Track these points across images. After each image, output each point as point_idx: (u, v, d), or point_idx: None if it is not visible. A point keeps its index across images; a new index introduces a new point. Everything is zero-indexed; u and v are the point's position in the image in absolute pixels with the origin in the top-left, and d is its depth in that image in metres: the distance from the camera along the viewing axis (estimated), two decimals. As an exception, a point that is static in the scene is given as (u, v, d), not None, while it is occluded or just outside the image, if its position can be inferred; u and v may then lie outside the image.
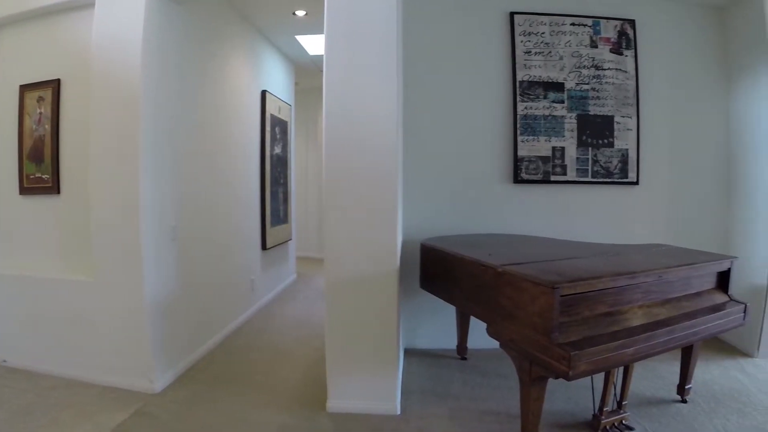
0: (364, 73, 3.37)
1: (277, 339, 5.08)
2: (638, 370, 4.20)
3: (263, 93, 6.24)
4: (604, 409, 3.30)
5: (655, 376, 4.22)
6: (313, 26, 5.74)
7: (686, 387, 3.75)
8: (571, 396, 3.77)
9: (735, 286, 4.45)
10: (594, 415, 3.35)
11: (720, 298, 3.39)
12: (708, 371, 4.35)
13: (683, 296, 3.18)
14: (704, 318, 3.10)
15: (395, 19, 3.38)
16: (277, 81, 6.95)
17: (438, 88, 4.72)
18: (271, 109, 6.44)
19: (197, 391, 3.85)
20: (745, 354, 4.76)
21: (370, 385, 3.54)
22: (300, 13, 5.47)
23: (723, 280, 3.46)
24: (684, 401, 3.76)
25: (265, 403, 3.66)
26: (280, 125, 6.91)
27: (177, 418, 3.43)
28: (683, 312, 3.08)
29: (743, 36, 4.94)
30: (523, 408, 2.89)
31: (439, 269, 3.86)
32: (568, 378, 2.49)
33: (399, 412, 3.53)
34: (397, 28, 3.49)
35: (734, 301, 3.42)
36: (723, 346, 4.99)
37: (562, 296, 2.58)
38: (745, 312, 3.39)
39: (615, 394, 3.41)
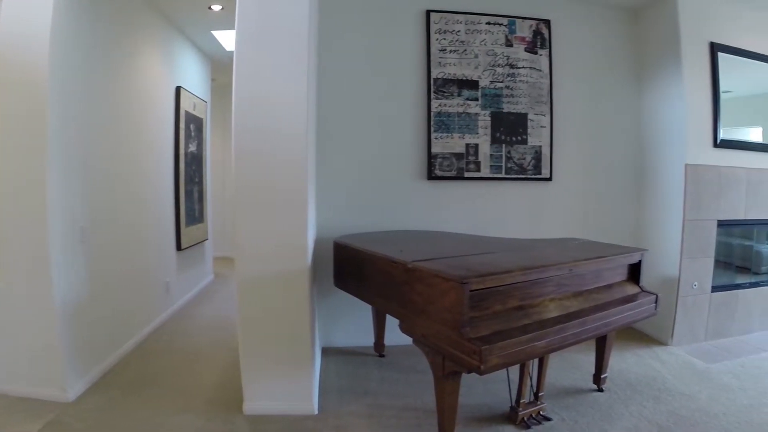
0: (275, 68, 3.22)
1: (193, 341, 4.90)
2: (555, 361, 4.26)
3: (178, 89, 5.98)
4: (521, 401, 3.31)
5: (572, 366, 4.27)
6: (229, 21, 5.45)
7: (602, 376, 3.80)
8: (489, 389, 3.75)
9: (648, 278, 4.55)
10: (511, 407, 3.35)
11: (631, 289, 3.43)
12: (624, 360, 4.44)
13: (595, 288, 3.21)
14: (616, 309, 3.12)
15: (307, 12, 3.27)
16: (193, 77, 6.70)
17: (354, 85, 4.60)
18: (186, 105, 6.19)
19: (113, 398, 3.65)
20: (660, 342, 4.90)
21: (286, 386, 3.42)
22: (216, 7, 5.27)
23: (634, 272, 3.51)
24: (600, 390, 3.81)
25: (182, 408, 3.50)
26: (196, 122, 6.66)
27: (92, 427, 3.23)
28: (595, 304, 3.10)
29: (655, 37, 5.07)
30: (438, 403, 2.85)
31: (352, 267, 3.78)
32: (479, 372, 2.45)
33: (317, 412, 3.44)
34: (310, 23, 3.37)
35: (645, 292, 3.48)
36: (638, 336, 5.12)
37: (471, 291, 2.53)
38: (656, 302, 3.45)
39: (531, 386, 3.42)
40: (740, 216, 5.05)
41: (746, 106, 5.62)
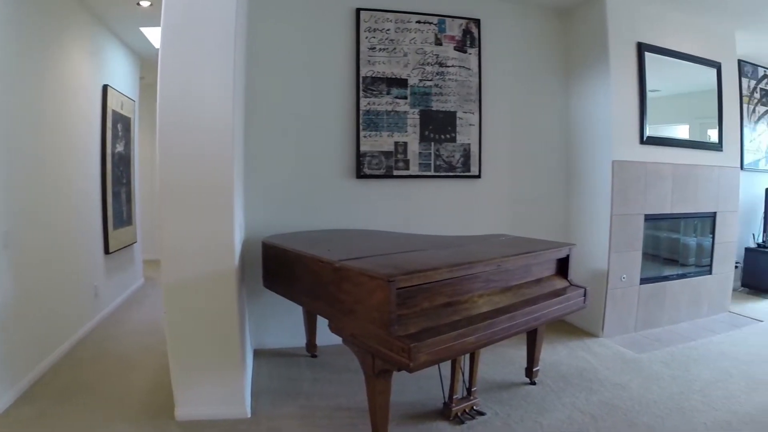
0: (201, 63, 3.11)
1: (124, 347, 4.73)
2: (488, 356, 4.29)
3: (105, 88, 5.75)
4: (454, 397, 3.32)
5: (505, 361, 4.32)
6: (158, 17, 5.28)
7: (534, 369, 3.85)
8: (422, 386, 3.74)
9: (577, 271, 4.63)
10: (444, 404, 3.36)
11: (560, 283, 3.48)
12: (556, 353, 4.52)
13: (524, 283, 3.24)
14: (544, 303, 3.17)
15: (234, 7, 3.17)
16: (121, 75, 6.47)
17: (283, 82, 4.51)
18: (113, 104, 5.97)
19: (43, 408, 3.47)
20: (591, 334, 5.01)
21: (218, 390, 3.33)
22: (144, 3, 5.09)
23: (563, 267, 3.56)
24: (533, 383, 3.85)
25: (114, 416, 3.36)
26: (123, 122, 6.43)
27: (22, 439, 3.09)
28: (524, 299, 3.13)
29: (583, 37, 5.19)
30: (370, 402, 2.83)
31: (280, 267, 3.72)
32: (409, 370, 2.43)
33: (249, 415, 3.36)
34: (238, 18, 3.28)
35: (574, 285, 3.53)
36: (570, 328, 5.22)
37: (399, 289, 2.50)
38: (584, 295, 3.50)
39: (464, 381, 3.44)
40: (667, 210, 5.21)
41: (673, 104, 5.80)
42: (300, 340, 4.50)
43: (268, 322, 4.58)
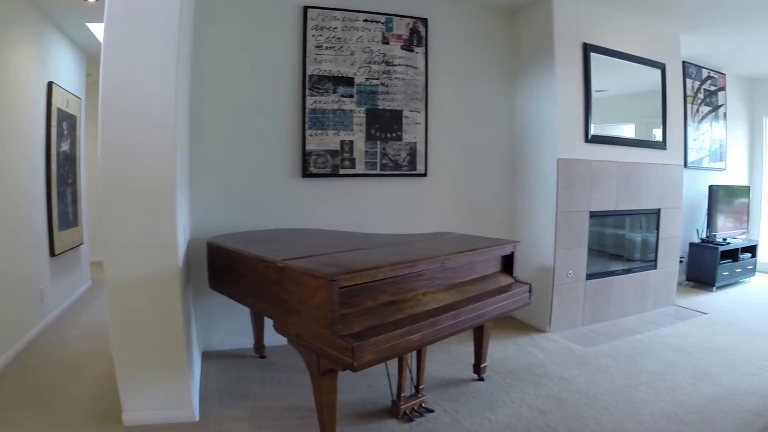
0: (144, 58, 3.03)
1: (72, 351, 4.61)
2: (436, 353, 4.32)
3: (49, 85, 5.58)
4: (402, 395, 3.33)
5: (453, 358, 4.34)
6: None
7: (482, 366, 3.88)
8: (371, 384, 3.75)
9: (525, 268, 4.71)
10: (393, 402, 3.35)
11: (505, 280, 3.52)
12: (504, 349, 4.57)
13: (468, 281, 3.26)
14: (489, 300, 3.20)
15: (178, 5, 3.12)
16: (67, 72, 6.28)
17: (229, 78, 4.43)
18: (58, 102, 5.79)
19: (-13, 417, 3.38)
20: (539, 330, 5.09)
21: (164, 393, 3.27)
22: (91, -2, 4.98)
23: (508, 264, 3.59)
24: (481, 379, 3.89)
25: (60, 423, 3.26)
26: (69, 120, 6.25)
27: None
28: (469, 296, 3.16)
29: (530, 37, 5.27)
30: (317, 402, 2.81)
31: (225, 267, 3.67)
32: (353, 369, 2.42)
33: (198, 418, 3.31)
34: (182, 15, 3.21)
35: (519, 282, 3.58)
36: (518, 324, 5.29)
37: (341, 288, 2.50)
38: (530, 292, 3.55)
39: (412, 379, 3.45)
40: (612, 207, 5.32)
41: (620, 104, 5.92)
42: (249, 341, 4.45)
43: (216, 323, 4.51)
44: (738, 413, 3.43)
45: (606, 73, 5.36)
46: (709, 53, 7.06)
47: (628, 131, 5.90)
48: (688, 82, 7.30)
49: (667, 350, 4.58)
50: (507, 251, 3.54)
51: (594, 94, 5.16)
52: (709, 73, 7.65)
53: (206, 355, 4.41)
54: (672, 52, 5.95)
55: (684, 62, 7.07)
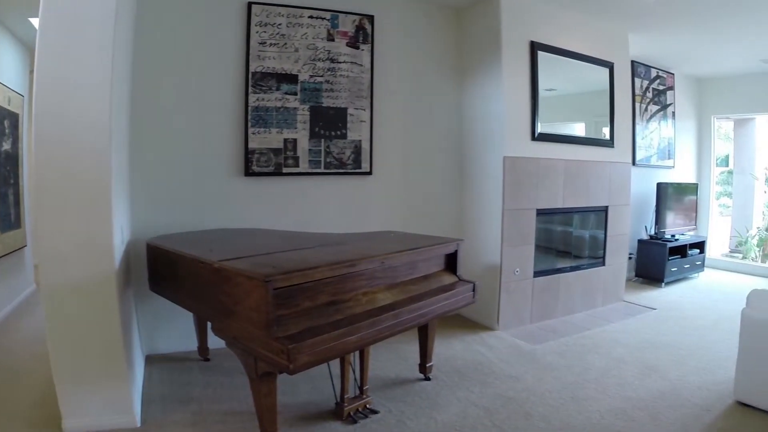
0: (80, 50, 2.96)
1: (13, 357, 4.46)
2: (382, 353, 4.32)
3: (-10, 81, 5.43)
4: (346, 396, 3.29)
5: (399, 357, 4.33)
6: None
7: (427, 365, 3.88)
8: (316, 386, 3.70)
9: (472, 266, 4.72)
10: (337, 403, 3.33)
11: (449, 279, 3.53)
12: (451, 347, 4.58)
13: (410, 280, 3.26)
14: (432, 299, 3.21)
15: (114, 1, 3.03)
16: (8, 68, 6.08)
17: (170, 78, 4.31)
18: (-1, 99, 5.64)
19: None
20: (487, 328, 5.11)
21: (104, 400, 3.17)
22: (34, -8, 4.81)
23: (451, 262, 3.59)
24: (428, 379, 3.88)
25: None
26: (11, 118, 6.04)
27: None
28: (410, 295, 3.16)
29: (477, 35, 5.29)
30: (256, 405, 2.78)
31: (164, 269, 3.60)
32: (290, 372, 2.40)
33: (139, 424, 3.22)
34: (118, 10, 3.12)
35: (463, 281, 3.59)
36: (466, 322, 5.30)
37: (277, 289, 2.47)
38: (473, 290, 3.56)
39: (356, 380, 3.42)
40: (559, 204, 5.39)
41: (571, 103, 6.01)
42: (194, 344, 4.35)
43: (160, 326, 4.40)
44: (685, 407, 3.49)
45: (556, 72, 5.42)
46: (659, 53, 7.23)
47: (579, 130, 5.98)
48: (637, 81, 7.44)
49: (615, 346, 4.65)
50: (450, 249, 3.55)
51: (545, 93, 5.20)
52: (658, 72, 7.82)
53: (150, 359, 4.30)
54: (620, 51, 6.05)
55: (633, 62, 7.21)
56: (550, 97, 5.55)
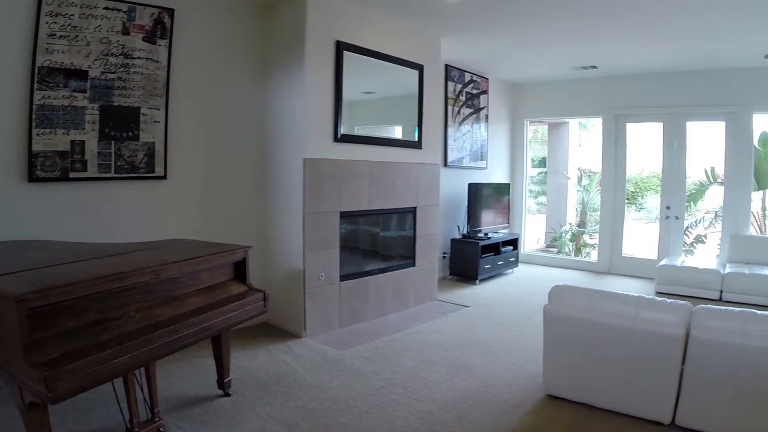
0: None
1: None
2: (181, 368, 4.24)
3: None
4: (135, 421, 3.14)
5: (200, 373, 4.19)
6: None
7: (225, 380, 3.83)
8: (110, 411, 3.49)
9: (276, 272, 4.73)
10: (126, 429, 3.16)
11: (237, 288, 3.54)
12: (255, 358, 4.54)
13: (193, 292, 3.23)
14: (216, 311, 3.21)
15: None
16: None
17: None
18: None
19: None
20: (294, 335, 5.13)
21: None
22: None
23: (241, 271, 3.60)
24: (227, 395, 3.83)
25: None
26: None
27: None
28: (191, 308, 3.13)
29: (282, 33, 5.32)
30: (29, 438, 2.62)
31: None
32: (50, 402, 2.31)
33: None
34: None
35: (253, 290, 3.61)
36: (273, 331, 5.27)
37: (33, 309, 2.36)
38: (264, 299, 3.59)
39: (145, 401, 3.31)
40: (364, 206, 5.59)
41: (388, 106, 6.23)
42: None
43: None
44: (495, 405, 3.71)
45: (371, 74, 5.59)
46: (473, 58, 7.74)
47: (397, 132, 6.22)
48: (450, 84, 7.91)
49: (425, 347, 4.85)
50: (238, 257, 3.56)
51: (362, 96, 5.30)
52: (472, 76, 8.37)
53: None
54: (432, 54, 6.40)
55: (447, 65, 7.65)
56: (368, 100, 5.73)
